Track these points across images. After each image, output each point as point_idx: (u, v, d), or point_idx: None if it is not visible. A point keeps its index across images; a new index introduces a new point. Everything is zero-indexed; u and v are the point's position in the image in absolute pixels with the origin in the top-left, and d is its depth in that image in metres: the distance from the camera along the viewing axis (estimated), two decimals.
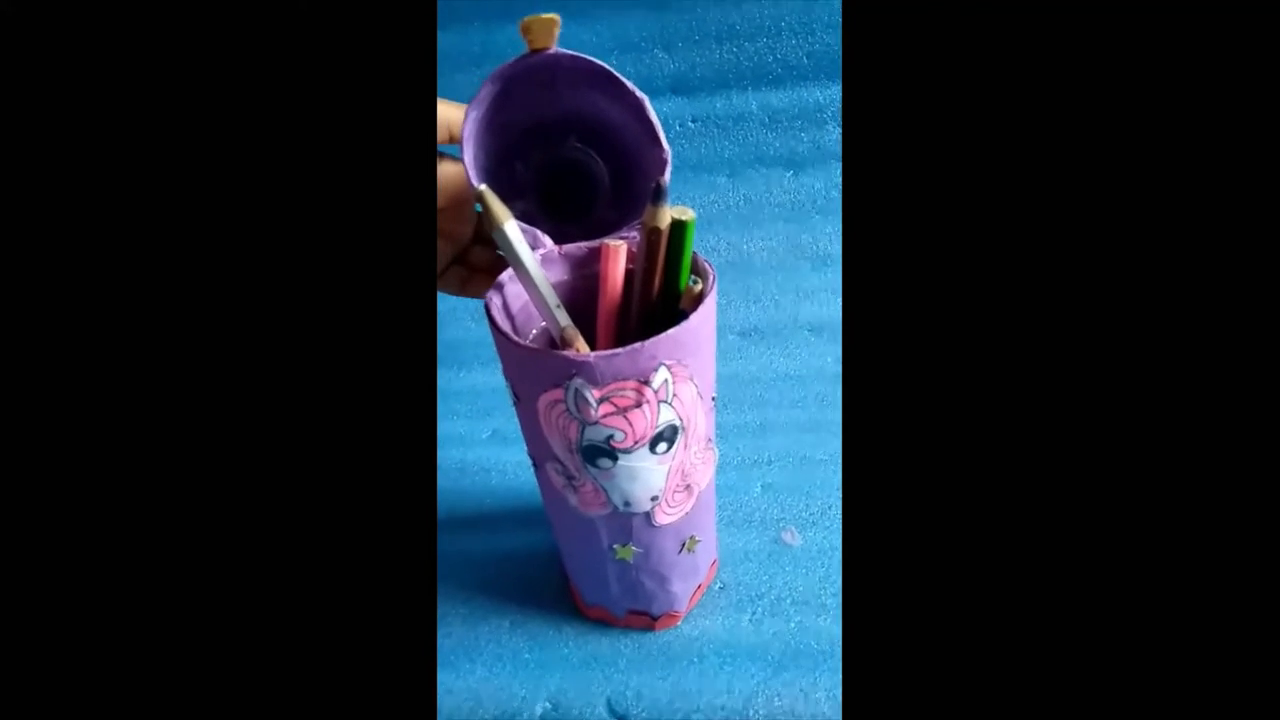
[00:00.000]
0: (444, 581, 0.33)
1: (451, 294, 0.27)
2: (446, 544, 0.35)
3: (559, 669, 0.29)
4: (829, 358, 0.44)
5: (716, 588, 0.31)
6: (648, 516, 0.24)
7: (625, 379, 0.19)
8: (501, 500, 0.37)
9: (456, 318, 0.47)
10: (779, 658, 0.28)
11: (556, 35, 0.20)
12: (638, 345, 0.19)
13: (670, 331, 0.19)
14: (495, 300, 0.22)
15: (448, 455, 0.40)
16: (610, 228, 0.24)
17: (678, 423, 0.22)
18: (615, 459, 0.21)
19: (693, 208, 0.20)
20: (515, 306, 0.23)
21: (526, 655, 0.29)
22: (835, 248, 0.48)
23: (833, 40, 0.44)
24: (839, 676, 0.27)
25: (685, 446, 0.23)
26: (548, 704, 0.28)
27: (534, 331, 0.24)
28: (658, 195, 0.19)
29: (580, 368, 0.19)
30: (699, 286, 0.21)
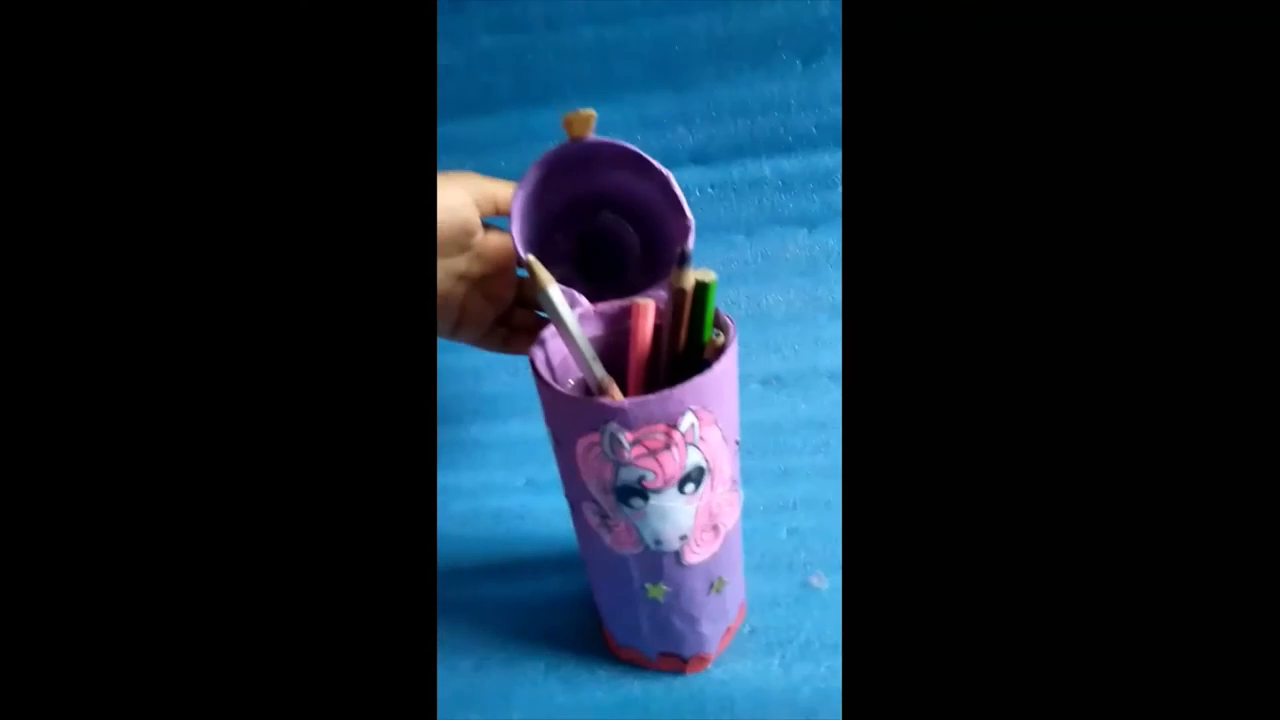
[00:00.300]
0: (482, 625, 0.34)
1: (495, 351, 0.30)
2: (485, 589, 0.36)
3: (593, 712, 0.29)
4: None
5: (746, 631, 0.32)
6: (677, 556, 0.25)
7: (655, 423, 0.22)
8: (536, 546, 0.38)
9: (494, 372, 0.50)
10: (809, 702, 0.29)
11: (593, 126, 0.24)
12: (666, 392, 0.21)
13: (695, 379, 0.21)
14: (539, 354, 0.24)
15: (485, 503, 0.42)
16: (640, 289, 0.26)
17: (704, 464, 0.23)
18: (647, 498, 0.23)
19: (713, 265, 0.23)
20: (555, 360, 0.25)
21: (561, 699, 0.30)
22: None
23: (838, 112, 0.48)
24: None
25: (712, 487, 0.24)
26: None
27: (571, 381, 0.26)
28: (683, 260, 0.22)
29: (615, 413, 0.21)
30: (721, 339, 0.23)
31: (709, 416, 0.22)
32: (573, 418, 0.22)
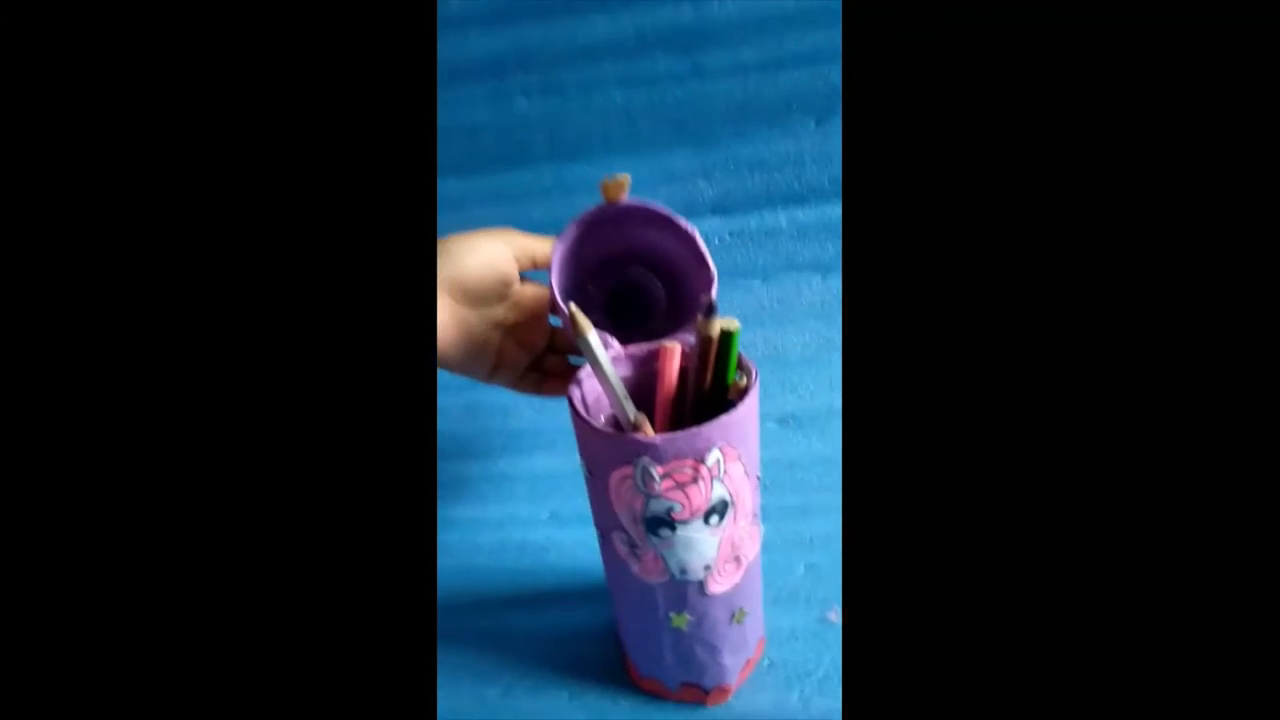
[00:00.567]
0: (509, 653, 0.35)
1: (528, 393, 0.33)
2: (512, 618, 0.37)
3: None
4: None
5: (765, 665, 0.33)
6: (701, 585, 0.27)
7: (684, 458, 0.23)
8: (561, 577, 0.40)
9: (520, 410, 0.52)
10: None
11: (627, 190, 0.27)
12: (695, 429, 0.23)
13: (722, 418, 0.23)
14: (576, 393, 0.26)
15: (511, 534, 0.43)
16: (666, 334, 0.29)
17: (728, 497, 0.25)
18: (674, 529, 0.25)
19: (732, 308, 0.25)
20: (590, 398, 0.27)
21: None
22: None
23: None
24: None
25: (734, 520, 0.26)
26: None
27: (602, 418, 0.29)
28: (709, 311, 0.24)
29: (648, 448, 0.23)
30: (744, 381, 0.25)
31: (733, 452, 0.24)
32: (608, 452, 0.24)
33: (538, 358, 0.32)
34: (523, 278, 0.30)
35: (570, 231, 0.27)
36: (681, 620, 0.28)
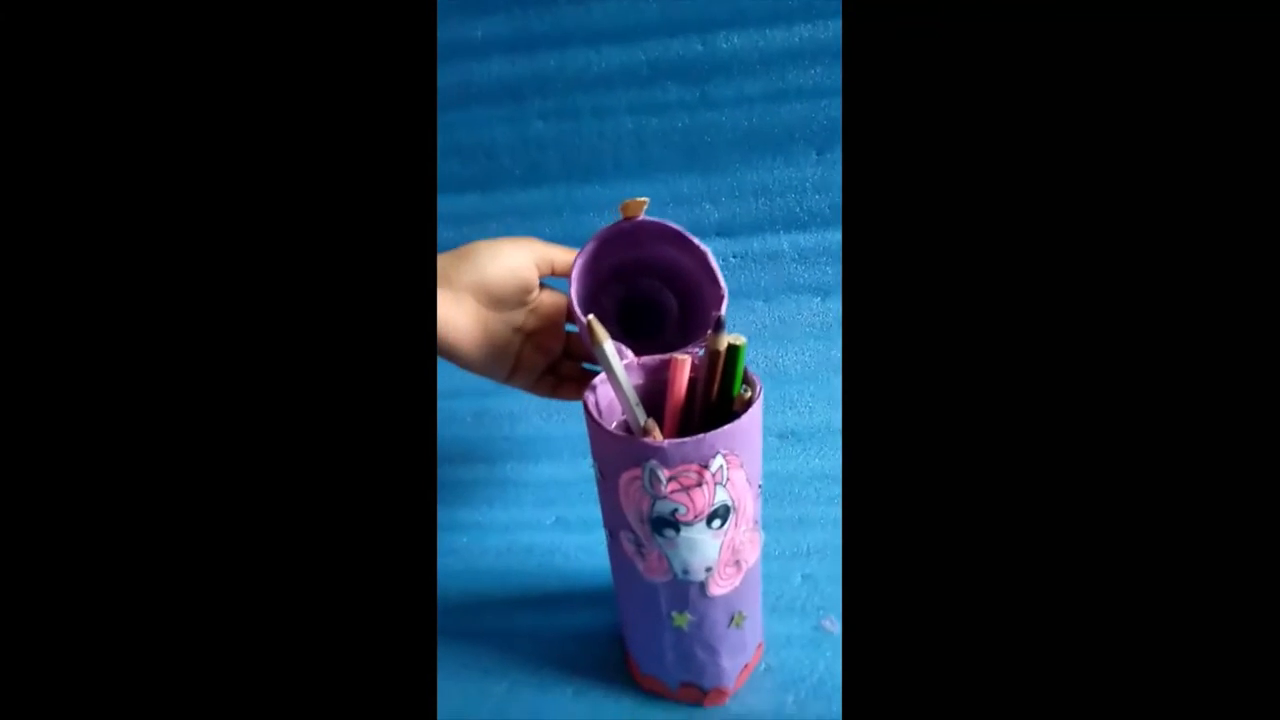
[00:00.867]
0: (515, 652, 0.36)
1: (544, 396, 0.34)
2: (516, 620, 0.39)
3: None
4: None
5: (762, 669, 0.34)
6: (702, 586, 0.28)
7: (690, 462, 0.25)
8: (565, 580, 0.41)
9: (528, 417, 0.54)
10: None
11: (644, 210, 0.29)
12: (701, 436, 0.25)
13: (726, 427, 0.25)
14: (591, 398, 0.28)
15: (518, 538, 0.45)
16: (677, 346, 0.31)
17: (730, 502, 0.27)
18: (679, 530, 0.27)
19: (734, 327, 0.27)
20: (604, 404, 0.29)
21: None
22: None
23: None
24: None
25: (736, 525, 0.28)
26: None
27: (614, 423, 0.30)
28: (718, 327, 0.26)
29: (656, 451, 0.25)
30: (749, 394, 0.27)
31: (736, 460, 0.26)
32: (618, 454, 0.26)
33: (554, 363, 0.34)
34: (542, 285, 0.32)
35: (590, 245, 0.29)
36: (683, 619, 0.29)
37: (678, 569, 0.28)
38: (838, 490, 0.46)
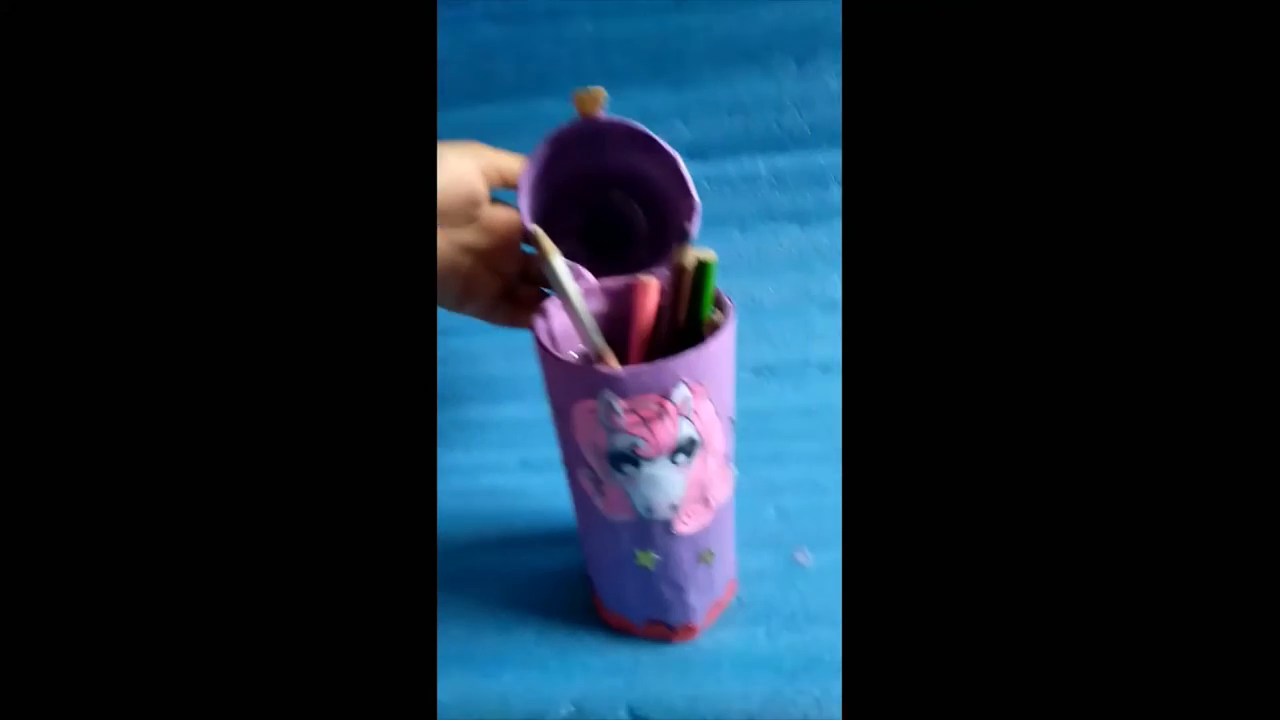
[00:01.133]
0: (476, 595, 0.35)
1: (500, 324, 0.31)
2: (479, 561, 0.37)
3: (582, 675, 0.31)
4: (837, 394, 0.47)
5: (734, 604, 0.33)
6: (667, 525, 0.27)
7: (649, 392, 0.23)
8: (530, 521, 0.40)
9: (491, 357, 0.51)
10: (793, 668, 0.30)
11: (602, 105, 0.25)
12: (661, 362, 0.22)
13: (688, 353, 0.23)
14: (541, 325, 0.25)
15: (481, 481, 0.43)
16: (646, 268, 0.28)
17: (696, 436, 0.25)
18: (638, 465, 0.24)
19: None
20: (558, 331, 0.26)
21: (552, 663, 0.31)
22: (840, 294, 0.52)
23: (832, 113, 0.49)
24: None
25: (704, 461, 0.26)
26: (571, 707, 0.29)
27: (573, 354, 0.28)
28: (683, 238, 0.23)
29: (610, 380, 0.22)
30: (718, 318, 0.24)
31: (702, 390, 0.24)
32: (571, 384, 0.24)
33: (510, 287, 0.31)
34: (493, 199, 0.28)
35: (541, 150, 0.26)
36: (648, 558, 0.28)
37: (640, 507, 0.26)
38: (814, 425, 0.45)
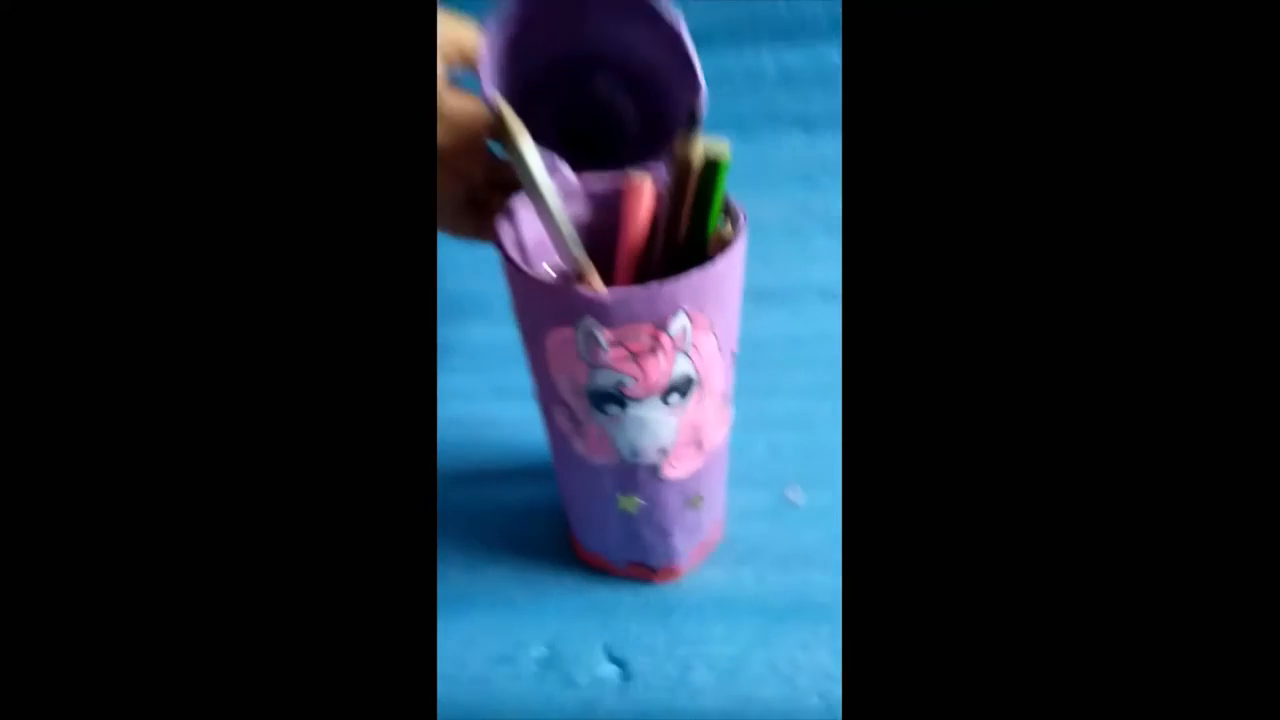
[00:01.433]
0: (445, 533, 0.33)
1: (466, 238, 0.26)
2: (448, 496, 0.34)
3: (557, 615, 0.29)
4: (837, 322, 0.43)
5: (720, 544, 0.31)
6: (654, 469, 0.24)
7: (641, 322, 0.19)
8: (503, 454, 0.37)
9: (457, 269, 0.45)
10: (780, 610, 0.28)
11: None
12: (656, 285, 0.18)
13: (693, 275, 0.18)
14: (507, 231, 0.21)
15: (448, 409, 0.39)
16: (637, 165, 0.23)
17: (693, 374, 0.21)
18: (624, 406, 0.21)
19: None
20: (528, 236, 0.22)
21: (525, 602, 0.30)
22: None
23: None
24: (839, 628, 0.27)
25: (699, 401, 0.22)
26: (545, 648, 0.28)
27: (547, 267, 0.23)
28: (692, 122, 0.18)
29: (592, 305, 0.18)
30: (729, 230, 0.20)
31: (704, 321, 0.20)
32: (543, 307, 0.19)
33: (474, 192, 0.26)
34: (452, 83, 0.22)
35: (508, 17, 0.20)
36: (630, 503, 0.25)
37: (624, 450, 0.23)
38: (809, 354, 0.42)
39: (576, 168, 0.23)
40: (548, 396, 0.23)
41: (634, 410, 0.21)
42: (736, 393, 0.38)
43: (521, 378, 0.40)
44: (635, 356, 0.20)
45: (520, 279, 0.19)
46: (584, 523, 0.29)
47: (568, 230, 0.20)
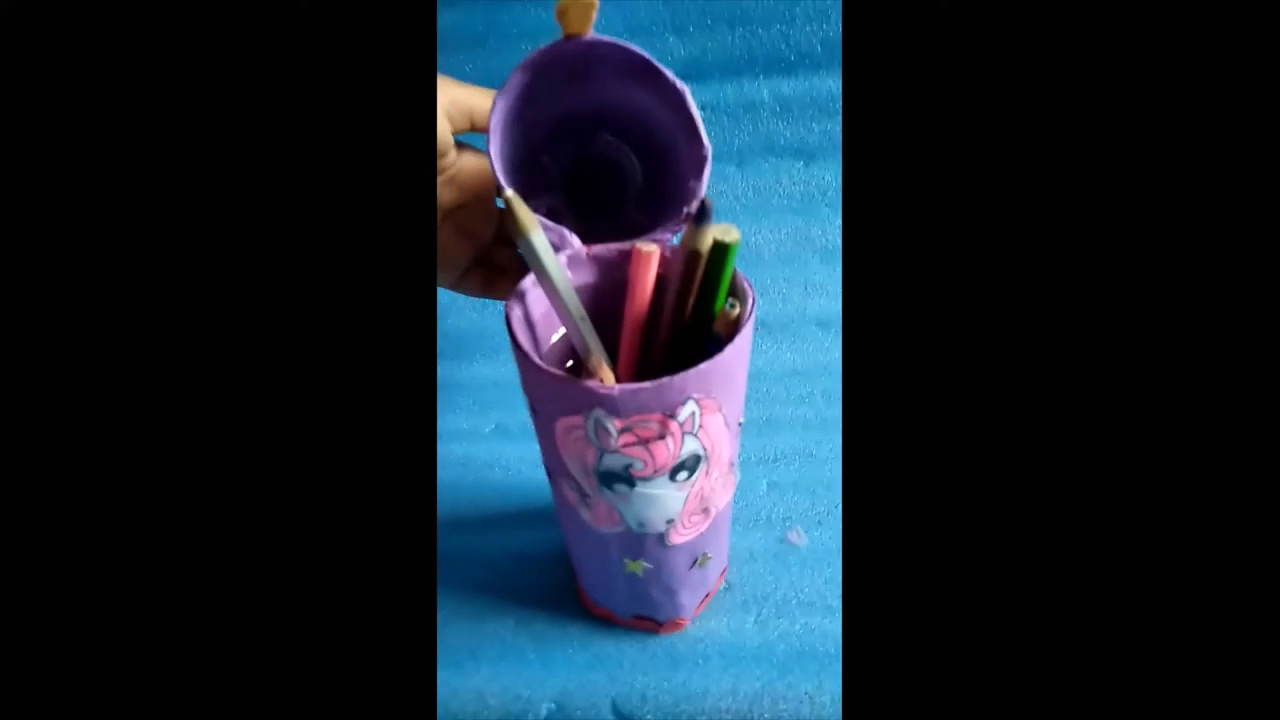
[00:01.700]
0: (447, 581, 0.33)
1: (473, 295, 0.26)
2: (449, 542, 0.34)
3: (564, 669, 0.29)
4: (836, 353, 0.44)
5: (722, 589, 0.32)
6: (661, 537, 0.24)
7: (650, 412, 0.19)
8: (505, 497, 0.37)
9: (458, 308, 0.45)
10: (784, 660, 0.29)
11: (593, 19, 0.19)
12: (666, 380, 0.18)
13: (702, 366, 0.19)
14: (517, 312, 0.21)
15: (449, 450, 0.39)
16: (641, 229, 0.23)
17: (701, 452, 0.21)
18: (633, 485, 0.21)
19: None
20: (537, 312, 0.22)
21: (531, 656, 0.30)
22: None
23: None
24: (839, 678, 0.28)
25: (707, 474, 0.22)
26: (552, 705, 0.28)
27: (554, 338, 0.23)
28: (702, 215, 0.18)
29: (603, 400, 0.18)
30: (735, 311, 0.20)
31: (713, 404, 0.20)
32: (554, 396, 0.20)
33: (483, 251, 0.26)
34: (460, 144, 0.22)
35: (516, 80, 0.20)
36: (637, 567, 0.25)
37: (631, 522, 0.23)
38: (808, 389, 0.42)
39: (581, 225, 0.23)
40: (555, 469, 0.23)
41: (642, 489, 0.21)
42: None
43: (525, 416, 0.40)
44: (644, 442, 0.20)
45: (531, 369, 0.19)
46: (590, 579, 0.29)
47: (579, 313, 0.20)
